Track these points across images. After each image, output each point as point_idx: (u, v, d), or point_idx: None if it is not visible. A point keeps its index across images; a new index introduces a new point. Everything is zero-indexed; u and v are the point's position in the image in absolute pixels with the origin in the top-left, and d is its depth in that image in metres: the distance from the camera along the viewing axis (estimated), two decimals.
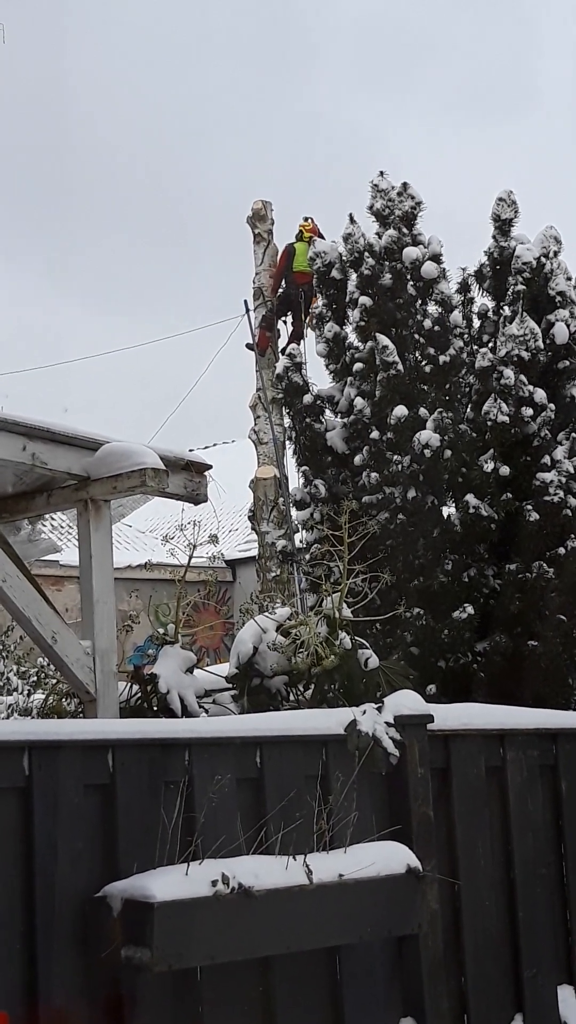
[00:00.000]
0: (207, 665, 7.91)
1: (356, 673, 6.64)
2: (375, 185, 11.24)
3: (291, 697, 6.85)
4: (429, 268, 10.81)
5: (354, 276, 11.11)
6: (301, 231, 19.38)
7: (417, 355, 10.74)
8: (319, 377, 11.63)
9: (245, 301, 19.74)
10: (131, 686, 6.93)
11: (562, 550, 9.97)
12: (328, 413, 11.23)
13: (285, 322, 19.71)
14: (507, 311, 10.81)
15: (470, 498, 9.95)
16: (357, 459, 10.59)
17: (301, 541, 11.63)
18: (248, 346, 19.63)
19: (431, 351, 10.61)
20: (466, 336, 11.00)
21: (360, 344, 11.00)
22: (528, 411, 10.17)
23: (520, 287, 10.64)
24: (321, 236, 16.89)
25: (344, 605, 6.91)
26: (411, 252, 10.87)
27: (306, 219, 19.74)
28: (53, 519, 26.40)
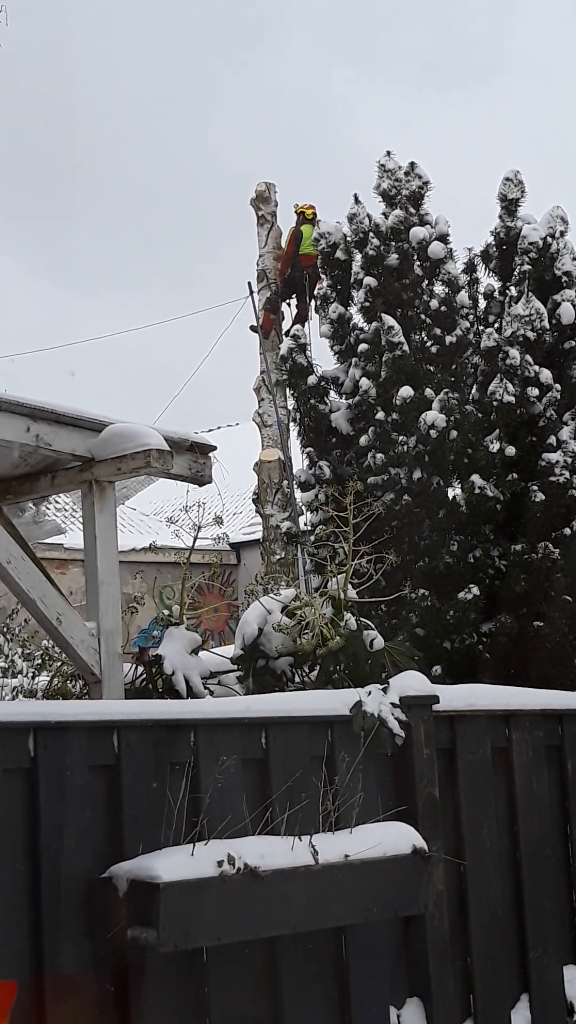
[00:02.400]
0: (212, 648, 7.91)
1: (361, 654, 6.64)
2: (382, 165, 11.22)
3: (296, 678, 6.85)
4: (436, 248, 10.79)
5: (359, 256, 11.08)
6: (302, 212, 19.29)
7: (423, 335, 10.72)
8: (324, 359, 11.62)
9: (249, 283, 19.68)
10: (136, 668, 6.92)
11: (568, 531, 9.96)
12: (333, 394, 11.22)
13: (289, 304, 19.66)
14: (513, 291, 10.78)
15: (476, 479, 9.93)
16: (362, 440, 10.58)
17: (306, 523, 11.62)
18: (252, 328, 19.57)
19: (437, 331, 10.59)
20: (472, 316, 10.98)
21: (365, 325, 10.97)
22: (534, 391, 10.14)
23: (526, 267, 10.61)
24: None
25: (349, 586, 6.91)
26: (418, 232, 10.84)
27: (309, 206, 19.65)
28: (57, 501, 26.37)
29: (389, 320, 10.38)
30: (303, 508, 11.56)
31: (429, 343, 10.65)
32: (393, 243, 10.86)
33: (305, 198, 19.44)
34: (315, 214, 18.64)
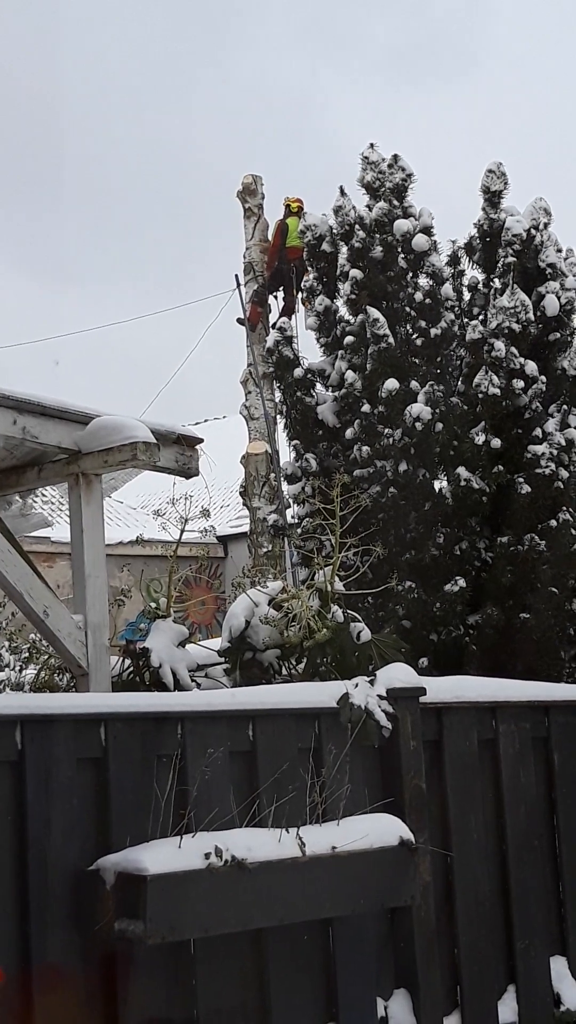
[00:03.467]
0: (199, 641, 7.91)
1: (348, 646, 6.64)
2: (365, 157, 11.20)
3: (283, 671, 6.85)
4: (420, 240, 10.78)
5: (345, 249, 11.07)
6: (288, 205, 19.29)
7: (408, 328, 10.71)
8: (310, 351, 11.61)
9: (236, 276, 19.64)
10: (123, 660, 6.92)
11: (553, 522, 9.97)
12: (319, 387, 11.20)
13: (276, 297, 19.63)
14: (497, 283, 10.78)
15: (461, 471, 9.94)
16: (348, 433, 10.57)
17: (293, 516, 11.62)
18: (239, 321, 19.54)
19: (422, 324, 10.58)
20: (457, 309, 10.98)
21: (351, 317, 10.96)
22: (519, 383, 10.15)
23: (510, 259, 10.61)
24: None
25: (336, 578, 6.91)
26: (402, 224, 10.83)
27: (296, 200, 19.65)
28: (44, 494, 26.34)
29: (374, 312, 10.38)
30: (290, 501, 11.55)
31: (414, 335, 10.64)
32: (378, 235, 10.86)
33: (285, 189, 19.50)
34: (301, 207, 18.62)
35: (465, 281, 11.23)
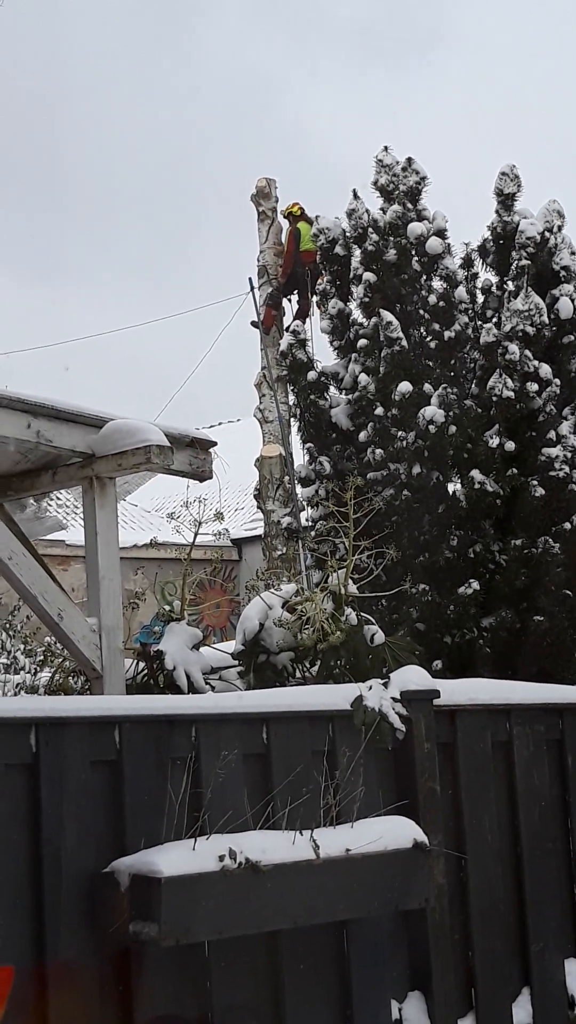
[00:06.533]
0: (213, 644, 7.92)
1: (362, 649, 6.65)
2: (379, 160, 11.23)
3: (297, 673, 6.86)
4: (434, 243, 10.79)
5: (358, 252, 11.09)
6: (291, 212, 19.36)
7: (422, 331, 10.72)
8: (325, 355, 11.64)
9: (250, 279, 19.68)
10: (137, 663, 6.94)
11: (567, 525, 9.96)
12: (332, 390, 11.22)
13: (290, 300, 19.66)
14: (511, 286, 10.78)
15: (475, 473, 9.93)
16: (362, 436, 10.59)
17: (307, 519, 11.63)
18: (253, 324, 19.57)
19: (436, 327, 10.59)
20: (471, 311, 10.98)
21: (364, 320, 10.98)
22: (533, 386, 10.14)
23: (524, 262, 10.61)
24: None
25: (350, 581, 6.92)
26: (416, 227, 10.85)
27: (295, 204, 19.73)
28: (59, 497, 26.38)
29: (387, 315, 10.39)
30: (304, 504, 11.57)
31: (428, 338, 10.66)
32: (391, 238, 10.87)
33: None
34: (302, 209, 18.82)
35: (479, 284, 11.24)
